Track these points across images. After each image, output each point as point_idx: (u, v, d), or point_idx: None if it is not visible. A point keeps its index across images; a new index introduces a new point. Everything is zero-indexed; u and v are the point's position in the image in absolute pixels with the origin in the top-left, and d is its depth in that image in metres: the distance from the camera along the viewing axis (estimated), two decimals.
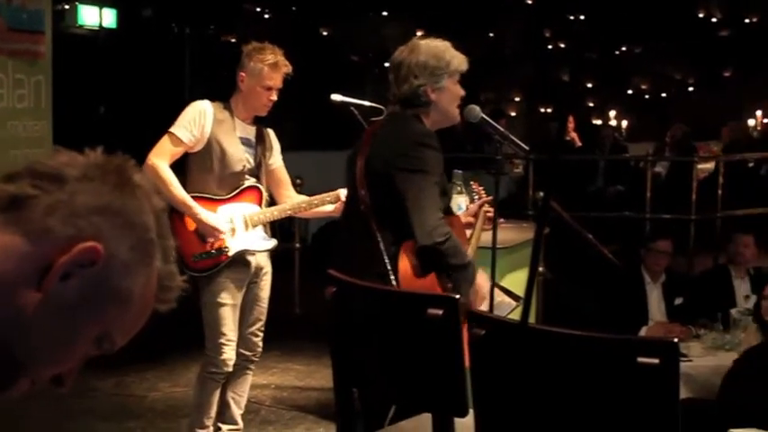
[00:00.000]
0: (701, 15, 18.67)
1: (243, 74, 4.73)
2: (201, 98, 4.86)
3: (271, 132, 5.00)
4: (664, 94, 18.78)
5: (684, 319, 6.50)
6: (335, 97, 5.37)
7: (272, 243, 4.88)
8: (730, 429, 4.73)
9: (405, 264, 3.33)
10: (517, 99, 17.99)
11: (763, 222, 9.50)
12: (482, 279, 3.68)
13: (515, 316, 3.79)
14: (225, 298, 4.72)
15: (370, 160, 3.53)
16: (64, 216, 1.23)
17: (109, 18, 12.06)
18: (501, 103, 16.53)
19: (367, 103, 5.27)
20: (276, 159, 5.01)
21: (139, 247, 1.29)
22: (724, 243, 8.19)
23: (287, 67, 4.80)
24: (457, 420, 2.45)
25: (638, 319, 6.60)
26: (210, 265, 4.67)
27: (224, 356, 4.75)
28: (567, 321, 3.18)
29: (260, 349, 5.02)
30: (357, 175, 3.53)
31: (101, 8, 11.87)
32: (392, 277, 3.28)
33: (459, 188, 5.81)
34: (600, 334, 1.93)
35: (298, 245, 9.22)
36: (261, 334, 5.00)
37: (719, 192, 9.92)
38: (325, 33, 16.51)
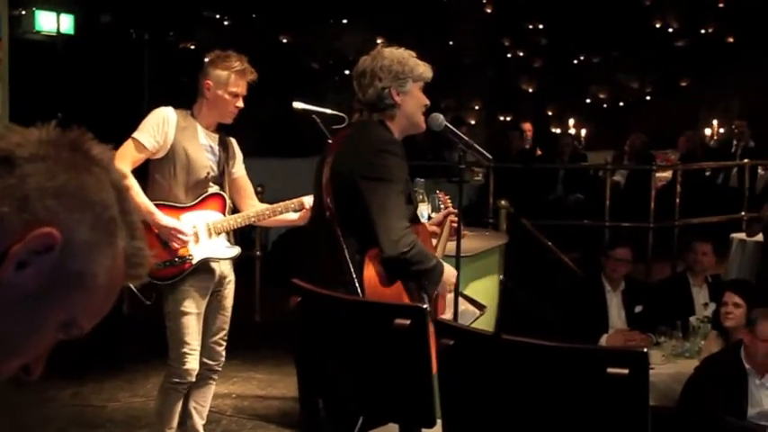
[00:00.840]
0: (657, 25, 18.85)
1: (209, 82, 4.68)
2: (160, 105, 4.81)
3: (233, 141, 4.96)
4: (621, 104, 18.93)
5: (644, 326, 6.55)
6: (297, 105, 5.35)
7: (236, 251, 4.84)
8: None
9: (370, 272, 3.32)
10: (477, 107, 18.05)
11: (721, 230, 9.61)
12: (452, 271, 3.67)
13: (479, 324, 3.79)
14: (188, 307, 4.66)
15: (336, 168, 3.53)
16: (15, 202, 1.16)
17: (66, 24, 11.95)
18: (461, 112, 16.58)
19: (329, 111, 5.25)
20: (239, 168, 4.97)
21: (100, 227, 1.22)
22: (682, 251, 8.27)
23: (252, 74, 4.78)
24: (424, 431, 2.44)
25: (598, 327, 6.64)
26: (174, 273, 4.61)
27: (187, 366, 4.69)
28: (528, 329, 3.18)
29: (223, 359, 4.96)
30: (323, 183, 3.53)
31: (58, 14, 11.75)
32: (357, 286, 3.26)
33: (421, 196, 5.82)
34: (569, 344, 1.93)
35: (258, 252, 9.16)
36: (224, 343, 4.94)
37: (677, 200, 10.02)
38: (284, 40, 16.47)
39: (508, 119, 17.91)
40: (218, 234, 4.73)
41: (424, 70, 3.75)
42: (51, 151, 1.22)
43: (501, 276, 6.17)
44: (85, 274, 1.21)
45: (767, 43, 16.68)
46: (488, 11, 18.31)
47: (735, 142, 12.58)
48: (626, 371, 1.87)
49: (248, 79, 4.75)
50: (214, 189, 4.76)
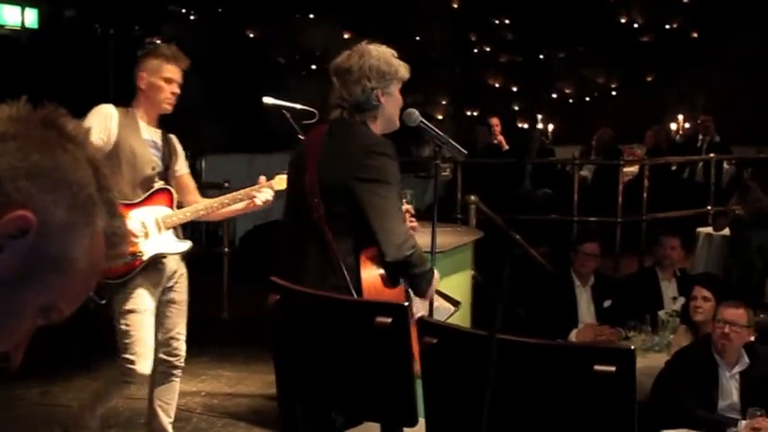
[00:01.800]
0: (623, 21, 18.94)
1: (142, 73, 4.69)
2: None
3: (174, 138, 4.93)
4: (587, 98, 19.01)
5: (613, 321, 6.57)
6: (267, 100, 5.32)
7: (187, 245, 4.81)
8: (662, 430, 4.79)
9: (369, 275, 3.26)
10: (444, 102, 18.05)
11: (687, 225, 9.68)
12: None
13: (454, 320, 3.78)
14: (140, 304, 4.61)
15: (323, 169, 3.45)
16: None
17: (31, 18, 11.82)
18: (428, 107, 16.57)
19: (299, 106, 5.23)
20: (182, 166, 4.94)
21: (77, 207, 1.17)
22: (650, 245, 8.31)
23: (185, 61, 4.78)
24: (406, 430, 2.42)
25: (567, 322, 6.65)
26: (125, 270, 4.55)
27: (135, 366, 4.62)
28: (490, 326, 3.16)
29: (183, 354, 4.91)
30: (307, 184, 3.44)
31: (23, 8, 11.62)
32: (350, 290, 3.19)
33: None
34: (556, 342, 1.91)
35: (226, 249, 9.11)
36: (182, 338, 4.89)
37: (644, 195, 10.08)
38: (251, 35, 16.37)
39: (475, 114, 17.92)
40: (168, 229, 4.71)
41: (405, 70, 3.73)
42: (22, 129, 1.17)
43: (473, 272, 6.16)
44: (63, 256, 1.17)
45: (731, 38, 16.83)
46: (455, 6, 18.31)
47: (700, 137, 12.68)
48: (613, 368, 1.86)
49: (181, 65, 4.76)
50: (161, 184, 4.73)
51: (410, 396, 2.33)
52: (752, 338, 5.31)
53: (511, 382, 2.01)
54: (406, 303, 2.37)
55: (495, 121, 12.67)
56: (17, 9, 11.51)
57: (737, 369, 5.12)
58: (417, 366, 2.35)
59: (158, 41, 4.86)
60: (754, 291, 6.99)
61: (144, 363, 4.64)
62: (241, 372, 7.05)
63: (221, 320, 8.66)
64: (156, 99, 4.70)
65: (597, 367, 1.87)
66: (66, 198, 1.16)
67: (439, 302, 3.79)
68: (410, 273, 3.40)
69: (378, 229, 3.32)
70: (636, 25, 18.93)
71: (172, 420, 4.98)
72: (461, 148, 3.91)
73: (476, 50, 18.84)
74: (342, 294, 3.10)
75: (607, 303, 6.87)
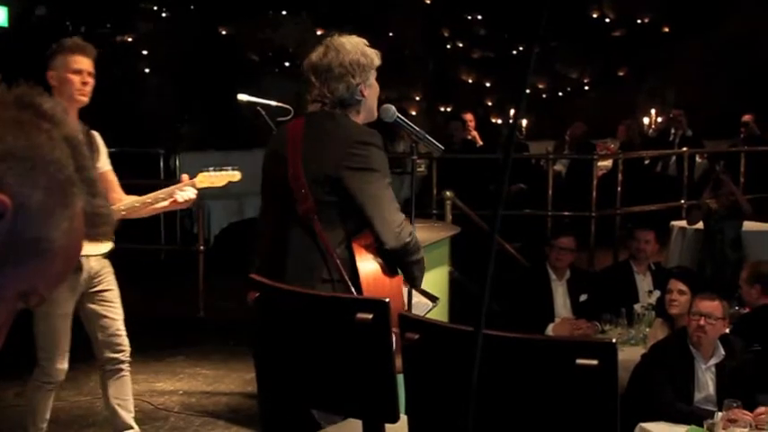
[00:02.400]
0: (594, 16, 19.03)
1: (51, 72, 4.65)
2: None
3: (97, 135, 4.89)
4: (560, 93, 19.09)
5: (589, 315, 6.60)
6: (242, 97, 5.31)
7: (107, 247, 4.75)
8: (640, 424, 4.82)
9: (369, 265, 3.23)
10: (417, 98, 18.06)
11: (661, 218, 9.74)
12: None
13: (433, 316, 3.78)
14: (57, 308, 4.62)
15: (308, 160, 3.38)
16: None
17: (0, 16, 11.71)
18: (401, 103, 16.58)
19: (273, 103, 5.23)
20: (105, 162, 4.91)
21: (55, 189, 1.14)
22: (624, 239, 8.36)
23: (92, 50, 4.73)
24: (388, 426, 2.42)
25: (544, 317, 6.67)
26: None
27: (57, 366, 4.68)
28: (475, 320, 3.15)
29: (127, 348, 4.90)
30: (291, 177, 3.37)
31: None
32: (347, 283, 3.15)
33: None
34: (538, 336, 1.92)
35: (201, 247, 9.07)
36: (123, 333, 4.88)
37: (618, 189, 10.12)
38: (223, 32, 16.31)
39: (449, 110, 17.95)
40: None
41: (378, 58, 3.68)
42: None
43: (449, 268, 6.16)
44: (42, 239, 1.14)
45: (701, 34, 16.95)
46: (428, 2, 18.33)
47: (673, 131, 12.74)
48: (595, 362, 1.87)
49: (89, 55, 4.70)
50: None
51: (391, 392, 2.33)
52: (727, 330, 5.36)
53: (493, 377, 2.01)
54: (386, 300, 2.36)
55: (468, 116, 12.66)
56: None
57: (713, 361, 5.15)
58: (399, 362, 2.35)
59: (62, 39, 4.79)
60: (727, 283, 7.03)
61: (60, 365, 4.69)
62: (219, 370, 7.03)
63: (198, 319, 8.63)
64: (69, 93, 4.64)
65: (579, 361, 1.88)
66: (43, 180, 1.13)
67: (417, 298, 3.79)
68: (408, 260, 3.39)
69: (374, 217, 3.30)
70: (608, 20, 19.03)
71: (133, 414, 4.97)
72: (438, 144, 3.90)
73: (449, 46, 18.87)
74: (339, 290, 3.10)
75: (583, 297, 6.89)
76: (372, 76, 3.62)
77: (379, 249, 3.33)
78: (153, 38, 15.41)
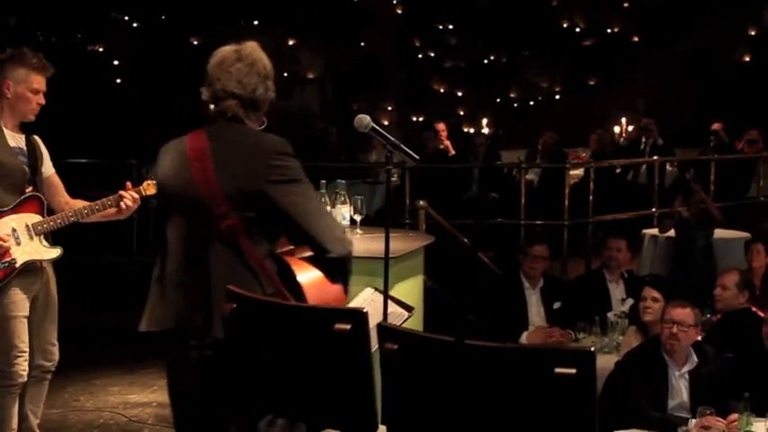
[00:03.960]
0: (564, 25, 19.13)
1: (8, 81, 4.70)
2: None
3: (38, 140, 4.94)
4: (531, 102, 19.16)
5: (563, 323, 6.62)
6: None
7: (58, 252, 4.83)
8: (614, 431, 4.84)
9: (310, 276, 3.11)
10: (389, 108, 18.08)
11: (632, 226, 9.80)
12: None
13: (408, 326, 3.77)
14: (15, 310, 4.70)
15: (224, 179, 3.20)
16: None
17: None
18: (374, 112, 16.57)
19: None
20: (48, 167, 4.98)
21: None
22: (596, 248, 8.40)
23: (50, 70, 4.80)
24: None
25: (518, 325, 6.69)
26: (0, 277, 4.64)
27: (17, 368, 4.74)
28: (450, 330, 3.16)
29: (57, 358, 4.99)
30: (206, 194, 3.19)
31: None
32: (286, 294, 3.07)
33: (342, 198, 5.79)
34: (516, 345, 1.92)
35: None
36: (56, 341, 4.98)
37: (590, 197, 10.17)
38: (195, 42, 16.26)
39: (421, 119, 17.97)
40: (39, 235, 4.75)
41: None
42: None
43: (422, 277, 6.16)
44: None
45: (670, 43, 17.08)
46: (399, 11, 18.35)
47: (644, 140, 12.82)
48: (573, 370, 1.88)
49: (47, 75, 4.78)
50: (30, 191, 4.78)
51: (370, 402, 2.33)
52: (699, 338, 5.39)
53: (471, 386, 2.01)
54: (365, 310, 2.36)
55: (441, 126, 12.70)
56: None
57: (686, 368, 5.18)
58: None
59: (25, 48, 4.83)
60: (699, 291, 7.08)
61: (21, 367, 4.76)
62: None
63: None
64: (22, 110, 4.75)
65: (558, 369, 1.88)
66: None
67: (393, 308, 3.79)
68: (348, 267, 3.27)
69: (312, 228, 3.17)
70: (578, 29, 19.13)
71: (38, 421, 5.07)
72: (413, 153, 3.90)
73: (420, 56, 18.90)
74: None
75: (557, 305, 6.91)
76: None
77: (318, 258, 3.20)
78: (124, 48, 15.36)
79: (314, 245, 3.19)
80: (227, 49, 3.43)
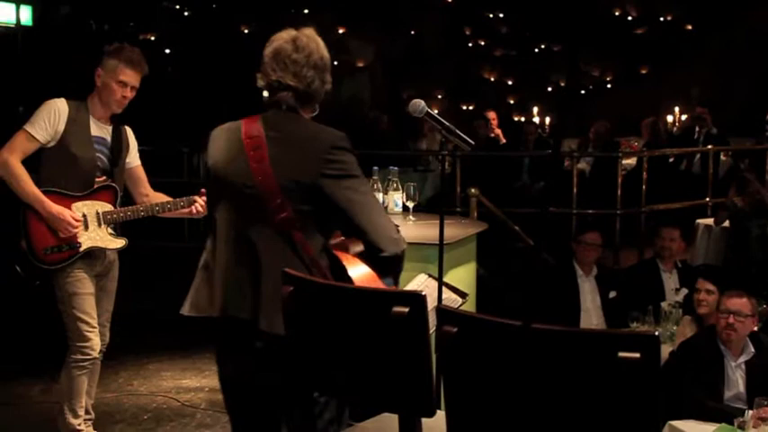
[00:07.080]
0: (617, 14, 18.96)
1: (100, 70, 4.82)
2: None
3: (129, 131, 5.07)
4: (583, 92, 19.02)
5: (617, 312, 6.58)
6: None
7: (123, 242, 4.96)
8: (669, 422, 4.78)
9: (361, 271, 2.98)
10: (439, 96, 18.04)
11: (686, 216, 9.68)
12: None
13: None
14: (80, 287, 4.84)
15: (279, 170, 3.11)
16: None
17: (25, 15, 11.78)
18: (423, 101, 16.51)
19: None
20: (134, 158, 5.10)
21: None
22: (649, 237, 8.31)
23: (144, 67, 4.89)
24: (424, 421, 2.41)
25: (571, 312, 6.67)
26: (61, 258, 4.77)
27: (89, 343, 4.87)
28: (503, 316, 3.11)
29: (108, 340, 5.10)
30: (262, 185, 3.11)
31: (17, 5, 11.58)
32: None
33: (395, 185, 5.79)
34: (579, 329, 1.90)
35: None
36: (108, 324, 5.10)
37: (643, 187, 10.07)
38: (245, 31, 16.34)
39: (470, 108, 17.92)
40: (108, 225, 4.88)
41: None
42: None
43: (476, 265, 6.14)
44: None
45: (724, 30, 16.84)
46: (449, 0, 18.30)
47: (697, 129, 12.64)
48: (637, 355, 1.85)
49: (138, 71, 4.87)
50: (105, 180, 4.88)
51: (427, 387, 2.32)
52: (756, 328, 5.31)
53: (532, 371, 1.99)
54: (423, 293, 2.34)
55: (491, 114, 12.65)
56: (12, 6, 11.48)
57: (743, 359, 5.11)
58: None
59: (126, 44, 4.94)
60: (754, 281, 6.98)
61: (92, 341, 4.88)
62: None
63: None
64: (107, 99, 4.84)
65: (622, 354, 1.86)
66: None
67: (447, 294, 3.78)
68: (400, 267, 3.16)
69: (366, 225, 3.08)
70: (630, 18, 18.95)
71: (93, 402, 5.17)
72: (468, 139, 3.88)
73: (470, 44, 18.84)
74: None
75: (612, 294, 6.89)
76: None
77: (368, 257, 3.11)
78: (175, 36, 15.46)
79: (367, 242, 3.11)
80: (283, 37, 3.30)
